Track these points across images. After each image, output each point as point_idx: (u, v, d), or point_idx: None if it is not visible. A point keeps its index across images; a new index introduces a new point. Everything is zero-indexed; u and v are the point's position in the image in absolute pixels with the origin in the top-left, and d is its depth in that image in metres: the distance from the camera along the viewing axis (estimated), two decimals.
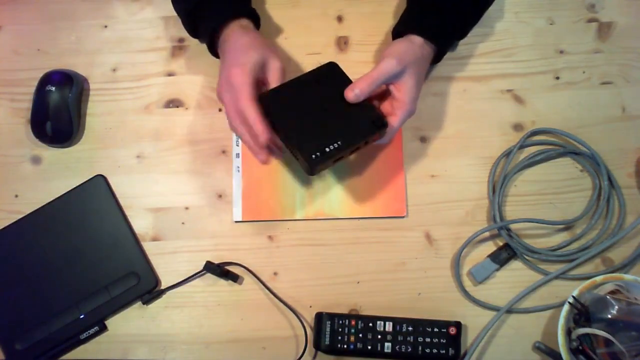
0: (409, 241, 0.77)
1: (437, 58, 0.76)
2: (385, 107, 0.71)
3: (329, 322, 0.73)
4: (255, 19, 0.76)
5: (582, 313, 0.69)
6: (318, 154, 0.66)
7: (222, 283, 0.77)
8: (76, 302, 0.76)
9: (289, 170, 0.79)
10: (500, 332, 0.75)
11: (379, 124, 0.68)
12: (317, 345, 0.73)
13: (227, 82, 0.69)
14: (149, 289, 0.76)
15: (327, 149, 0.66)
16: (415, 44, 0.72)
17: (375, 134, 0.68)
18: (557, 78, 0.81)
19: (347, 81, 0.69)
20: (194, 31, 0.78)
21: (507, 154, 0.79)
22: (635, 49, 0.82)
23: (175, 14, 0.80)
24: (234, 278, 0.76)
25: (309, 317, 0.76)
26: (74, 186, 0.79)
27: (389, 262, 0.77)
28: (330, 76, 0.70)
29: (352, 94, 0.67)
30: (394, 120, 0.69)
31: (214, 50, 0.76)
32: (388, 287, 0.76)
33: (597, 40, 0.82)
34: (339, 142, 0.66)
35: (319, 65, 0.71)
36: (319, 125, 0.68)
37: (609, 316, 0.67)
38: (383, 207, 0.78)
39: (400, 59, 0.68)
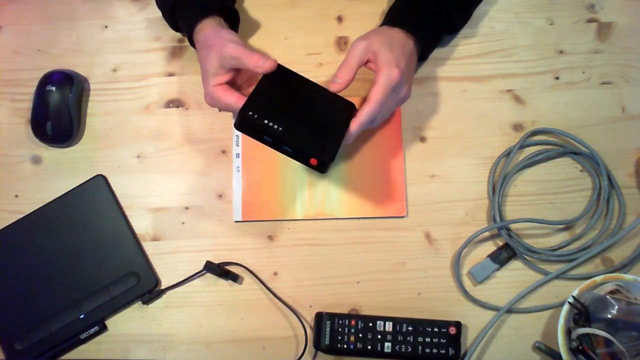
0: (409, 241, 0.77)
1: (421, 49, 0.75)
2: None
3: (329, 322, 0.73)
4: (227, 12, 0.77)
5: (582, 313, 0.69)
6: (256, 116, 0.64)
7: (222, 283, 0.77)
8: (76, 302, 0.76)
9: (289, 170, 0.79)
10: (500, 332, 0.75)
11: (327, 155, 0.65)
12: (317, 345, 0.73)
13: (213, 105, 0.73)
14: (149, 289, 0.76)
15: (265, 121, 0.63)
16: (381, 28, 0.74)
17: (312, 156, 0.64)
18: (557, 78, 0.81)
19: (347, 116, 0.68)
20: (177, 31, 0.82)
21: (507, 154, 0.79)
22: (635, 49, 0.82)
23: None
24: (234, 278, 0.76)
25: (309, 317, 0.76)
26: (74, 186, 0.79)
27: (389, 262, 0.77)
28: (340, 107, 0.69)
29: (335, 85, 0.69)
30: (375, 90, 0.67)
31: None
32: (388, 287, 0.76)
33: (597, 40, 0.82)
34: (280, 128, 0.64)
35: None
36: (284, 108, 0.67)
37: (609, 316, 0.67)
38: (383, 207, 0.78)
39: (363, 36, 0.71)
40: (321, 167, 0.65)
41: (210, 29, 0.73)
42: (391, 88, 0.68)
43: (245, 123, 0.64)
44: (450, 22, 0.78)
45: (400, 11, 0.76)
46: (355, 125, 0.67)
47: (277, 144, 0.65)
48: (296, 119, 0.66)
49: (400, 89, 0.70)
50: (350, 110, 0.70)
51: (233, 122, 0.74)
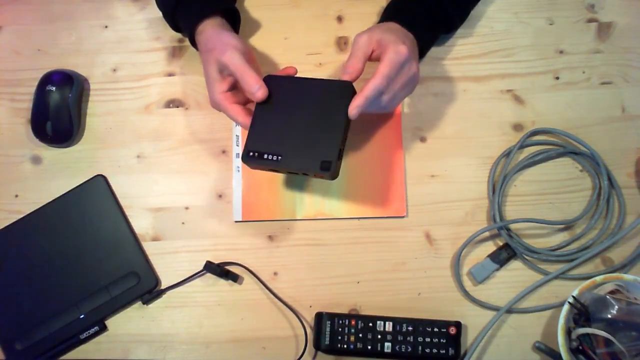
0: (409, 241, 0.77)
1: (418, 43, 0.74)
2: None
3: (329, 322, 0.73)
4: (229, 13, 0.77)
5: (582, 313, 0.69)
6: (256, 154, 0.68)
7: (222, 283, 0.77)
8: (76, 302, 0.76)
9: None
10: (500, 332, 0.75)
11: (325, 166, 0.66)
12: (317, 345, 0.73)
13: (218, 110, 0.72)
14: (149, 289, 0.76)
15: (265, 156, 0.67)
16: (379, 24, 0.74)
17: (317, 172, 0.66)
18: (557, 78, 0.81)
19: (346, 107, 0.67)
20: (177, 31, 0.82)
21: (507, 154, 0.79)
22: (635, 49, 0.82)
23: None
24: (234, 278, 0.77)
25: (309, 317, 0.76)
26: (74, 186, 0.79)
27: (389, 262, 0.77)
28: (337, 95, 0.68)
29: (347, 75, 0.68)
30: (382, 64, 0.67)
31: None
32: (388, 287, 0.76)
33: (597, 40, 0.82)
34: (279, 157, 0.67)
35: (334, 79, 0.69)
36: (281, 131, 0.68)
37: (609, 316, 0.67)
38: (383, 207, 0.78)
39: (363, 31, 0.70)
40: (328, 177, 0.67)
41: (211, 30, 0.73)
42: (399, 63, 0.67)
43: (252, 164, 0.68)
44: (448, 21, 0.78)
45: (398, 10, 0.76)
46: (360, 98, 0.65)
47: (283, 171, 0.69)
48: (293, 138, 0.68)
49: (409, 65, 0.68)
50: (348, 91, 0.68)
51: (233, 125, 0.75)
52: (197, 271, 0.77)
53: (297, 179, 0.79)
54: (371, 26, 0.73)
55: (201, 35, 0.73)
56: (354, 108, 0.66)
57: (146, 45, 0.84)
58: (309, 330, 0.75)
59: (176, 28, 0.80)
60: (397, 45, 0.67)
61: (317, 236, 0.78)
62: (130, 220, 0.79)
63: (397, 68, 0.67)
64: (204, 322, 0.76)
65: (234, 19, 0.78)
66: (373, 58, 0.69)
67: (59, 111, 0.79)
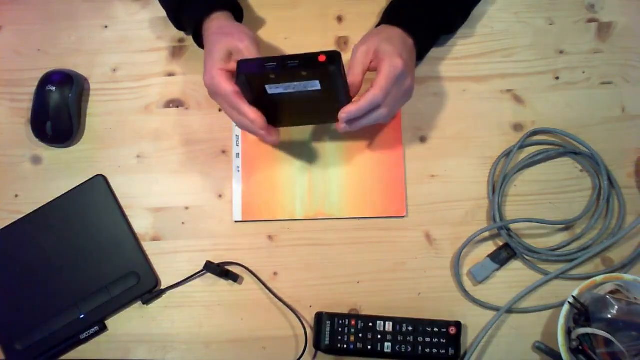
0: (409, 241, 0.77)
1: (418, 48, 0.74)
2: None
3: (329, 322, 0.73)
4: (236, 9, 0.77)
5: (582, 313, 0.69)
6: (252, 59, 0.65)
7: (222, 283, 0.77)
8: (76, 302, 0.76)
9: (289, 170, 0.79)
10: (500, 332, 0.75)
11: (330, 51, 0.63)
12: (317, 345, 0.74)
13: (210, 87, 0.70)
14: (149, 289, 0.76)
15: (262, 58, 0.65)
16: (380, 28, 0.74)
17: (319, 54, 0.64)
18: (557, 78, 0.81)
19: (339, 84, 0.66)
20: (179, 27, 0.81)
21: (507, 154, 0.79)
22: (635, 49, 0.82)
23: None
24: (234, 278, 0.77)
25: (309, 317, 0.76)
26: (74, 186, 0.79)
27: (389, 262, 0.77)
28: (320, 68, 0.66)
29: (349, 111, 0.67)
30: (378, 78, 0.67)
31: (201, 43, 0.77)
32: (388, 287, 0.76)
33: (597, 40, 0.82)
34: (274, 64, 0.64)
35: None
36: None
37: (609, 316, 0.67)
38: (383, 207, 0.78)
39: (361, 40, 0.71)
40: (331, 60, 0.63)
41: (225, 20, 0.73)
42: (395, 76, 0.67)
43: (246, 67, 0.64)
44: (449, 22, 0.78)
45: (398, 10, 0.76)
46: (354, 107, 0.66)
47: (281, 67, 0.64)
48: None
49: (404, 79, 0.68)
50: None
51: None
52: (197, 271, 0.77)
53: (297, 178, 0.79)
54: (370, 32, 0.73)
55: (213, 22, 0.73)
56: (344, 113, 0.66)
57: (146, 45, 0.84)
58: (309, 330, 0.75)
59: (179, 24, 0.80)
60: (392, 59, 0.67)
61: (317, 236, 0.78)
62: (130, 220, 0.79)
63: (393, 81, 0.67)
64: (204, 322, 0.76)
65: (238, 17, 0.78)
66: (371, 68, 0.70)
67: (59, 111, 0.79)
